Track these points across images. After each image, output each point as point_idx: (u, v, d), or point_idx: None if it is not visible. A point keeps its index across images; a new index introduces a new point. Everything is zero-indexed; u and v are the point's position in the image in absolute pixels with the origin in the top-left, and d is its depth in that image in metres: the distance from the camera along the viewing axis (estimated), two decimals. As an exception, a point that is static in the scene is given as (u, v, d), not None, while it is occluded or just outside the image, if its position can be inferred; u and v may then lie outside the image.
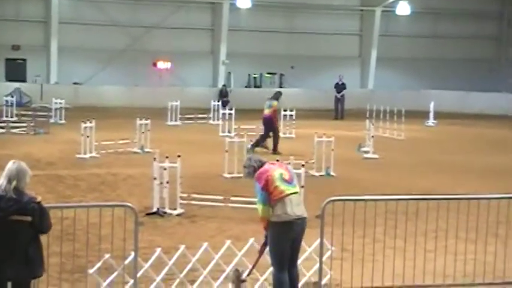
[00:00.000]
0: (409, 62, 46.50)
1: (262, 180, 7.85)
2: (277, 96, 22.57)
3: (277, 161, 8.97)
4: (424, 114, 33.75)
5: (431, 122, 33.45)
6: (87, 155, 19.65)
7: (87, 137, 19.66)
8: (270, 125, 21.65)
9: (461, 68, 46.94)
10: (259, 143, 21.22)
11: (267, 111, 21.91)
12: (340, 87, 36.82)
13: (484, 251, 9.71)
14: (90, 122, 19.92)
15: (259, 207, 7.92)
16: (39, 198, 6.22)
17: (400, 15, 44.30)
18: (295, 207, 7.88)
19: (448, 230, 9.75)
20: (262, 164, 8.09)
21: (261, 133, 21.80)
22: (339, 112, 36.27)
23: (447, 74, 46.19)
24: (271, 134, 21.72)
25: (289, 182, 7.94)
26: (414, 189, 15.06)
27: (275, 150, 21.11)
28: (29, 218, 6.11)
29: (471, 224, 9.47)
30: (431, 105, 33.57)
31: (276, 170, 7.96)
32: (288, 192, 7.86)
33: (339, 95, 36.72)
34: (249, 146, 19.58)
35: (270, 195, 7.82)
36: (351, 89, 44.12)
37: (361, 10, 46.55)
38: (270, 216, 7.85)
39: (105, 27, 41.02)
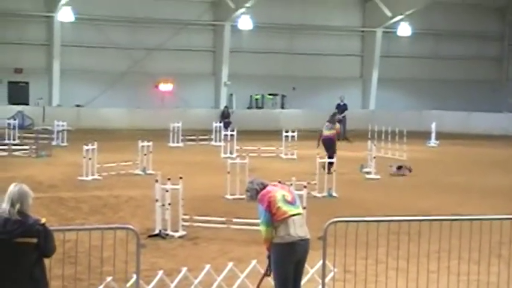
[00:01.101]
0: (410, 82, 46.61)
1: (265, 201, 7.85)
2: (336, 118, 24.04)
3: (279, 182, 8.97)
4: (426, 135, 33.77)
5: (433, 142, 33.46)
6: (89, 177, 19.66)
7: (89, 159, 19.68)
8: (334, 146, 22.54)
9: (463, 88, 47.04)
10: (330, 165, 20.16)
11: (328, 133, 22.78)
12: (341, 108, 36.89)
13: (487, 271, 9.67)
14: (92, 144, 19.95)
15: (262, 228, 7.90)
16: (43, 220, 6.24)
17: (401, 36, 44.44)
18: (298, 229, 7.87)
19: (451, 250, 9.72)
20: (264, 186, 8.09)
21: (328, 156, 21.13)
22: (341, 133, 36.24)
23: (449, 94, 46.28)
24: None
25: (291, 203, 7.94)
26: (416, 210, 15.02)
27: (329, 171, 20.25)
28: (34, 240, 6.12)
29: (474, 245, 9.45)
30: (433, 125, 33.61)
31: (278, 192, 7.96)
32: (290, 213, 7.86)
33: (340, 116, 36.75)
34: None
35: (273, 216, 7.82)
36: (352, 109, 44.24)
37: (362, 31, 46.74)
38: (272, 238, 7.84)
39: (106, 50, 41.21)
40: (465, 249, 9.75)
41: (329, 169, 19.42)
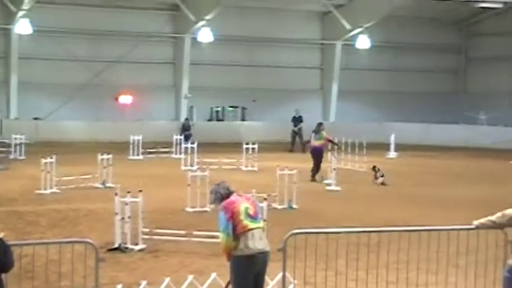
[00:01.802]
0: (370, 94, 47.02)
1: (229, 211, 7.87)
2: (322, 127, 24.88)
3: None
4: (386, 146, 34.08)
5: (392, 154, 33.77)
6: (48, 191, 19.44)
7: (48, 172, 19.46)
8: (321, 155, 23.76)
9: (421, 100, 47.59)
10: (315, 173, 23.20)
11: (317, 143, 24.21)
12: (297, 120, 37.30)
13: (445, 281, 9.78)
14: (51, 158, 19.74)
15: (222, 236, 7.89)
16: (1, 235, 6.15)
17: (360, 48, 44.83)
18: (258, 242, 7.90)
19: (410, 261, 9.81)
20: (229, 192, 8.12)
21: (315, 164, 23.61)
22: (296, 145, 36.61)
23: (407, 106, 46.78)
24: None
25: (253, 216, 7.98)
26: (376, 221, 15.14)
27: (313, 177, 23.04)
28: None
29: (432, 255, 9.55)
30: (392, 137, 33.94)
31: (242, 204, 7.98)
32: (251, 227, 7.90)
33: (296, 128, 37.26)
34: (323, 180, 22.38)
35: (234, 228, 7.83)
36: (313, 121, 44.42)
37: (322, 44, 47.05)
38: (232, 248, 7.84)
39: (66, 62, 40.80)
40: (423, 260, 9.86)
41: (313, 176, 22.48)
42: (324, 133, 24.72)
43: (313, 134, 24.85)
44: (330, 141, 25.29)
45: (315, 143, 24.35)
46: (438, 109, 46.91)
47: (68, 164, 24.08)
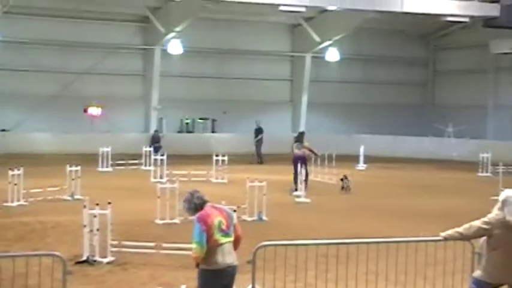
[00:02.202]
0: (339, 106, 47.27)
1: (205, 224, 7.86)
2: (303, 136, 25.44)
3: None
4: (355, 158, 34.26)
5: (361, 165, 33.98)
6: (15, 203, 19.24)
7: (15, 184, 19.27)
8: (304, 162, 24.14)
9: (390, 112, 47.98)
10: (297, 183, 23.37)
11: (300, 152, 24.49)
12: (257, 131, 37.51)
13: (414, 293, 9.85)
14: (18, 170, 19.55)
15: (196, 247, 7.84)
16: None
17: (330, 61, 45.11)
18: (227, 256, 7.93)
19: (378, 273, 9.87)
20: (203, 202, 8.10)
21: (294, 173, 23.94)
22: (259, 156, 36.71)
23: (377, 118, 47.10)
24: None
25: (225, 231, 8.01)
26: (345, 233, 15.20)
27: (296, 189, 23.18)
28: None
29: (400, 267, 9.62)
30: (361, 149, 34.15)
31: (216, 218, 7.98)
32: (222, 242, 7.92)
33: (255, 140, 37.41)
34: (293, 192, 22.77)
35: (207, 241, 7.83)
36: (282, 133, 44.59)
37: (292, 56, 47.25)
38: (203, 256, 7.81)
39: (34, 73, 40.44)
40: (392, 271, 9.92)
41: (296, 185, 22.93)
42: (306, 143, 25.04)
43: (295, 144, 25.11)
44: (311, 150, 25.45)
45: (298, 152, 24.65)
46: (407, 121, 47.33)
47: (35, 176, 23.86)
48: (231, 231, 8.10)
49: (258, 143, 37.35)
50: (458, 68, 48.48)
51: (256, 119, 38.98)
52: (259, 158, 36.59)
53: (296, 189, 23.05)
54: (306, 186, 22.86)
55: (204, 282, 7.95)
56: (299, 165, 23.56)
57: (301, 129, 45.56)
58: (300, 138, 25.41)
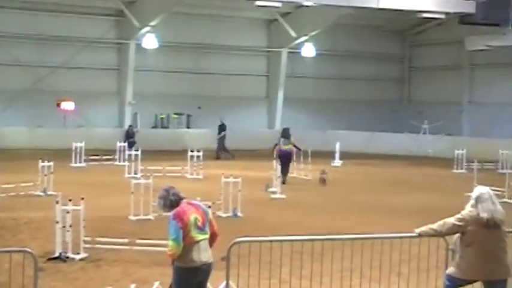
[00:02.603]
0: (315, 102, 47.40)
1: (182, 221, 7.83)
2: (289, 132, 26.24)
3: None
4: (331, 154, 34.37)
5: (337, 162, 34.08)
6: (-14, 199, 19.06)
7: (-13, 179, 19.09)
8: (290, 159, 25.64)
9: (366, 108, 48.20)
10: (285, 178, 24.59)
11: (287, 147, 25.59)
12: (221, 127, 37.43)
13: (388, 289, 9.90)
14: (-10, 165, 19.38)
15: (172, 244, 7.79)
16: None
17: (306, 56, 45.19)
18: (202, 253, 7.92)
19: (353, 269, 9.91)
20: (179, 198, 8.05)
21: (284, 169, 24.54)
22: (227, 151, 36.42)
23: (353, 114, 47.30)
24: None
25: (201, 228, 7.99)
26: (320, 229, 15.24)
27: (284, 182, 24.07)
28: None
29: (375, 263, 9.67)
30: (337, 145, 34.26)
31: (192, 215, 7.95)
32: (197, 239, 7.91)
33: (218, 136, 37.18)
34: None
35: (183, 238, 7.80)
36: (258, 129, 44.63)
37: (268, 51, 47.27)
38: (179, 253, 7.78)
39: (6, 67, 40.07)
40: (366, 267, 9.97)
41: (284, 180, 23.92)
42: (292, 139, 26.05)
43: (282, 139, 25.95)
44: (296, 146, 26.19)
45: (284, 147, 25.56)
46: (383, 118, 47.58)
47: (7, 171, 23.68)
48: (206, 228, 8.08)
49: (221, 140, 36.99)
50: (434, 64, 48.83)
51: (220, 115, 38.67)
52: (228, 153, 36.12)
53: (284, 182, 23.90)
54: (284, 182, 23.81)
55: (180, 280, 7.93)
56: (284, 161, 24.68)
57: (278, 125, 45.81)
58: (286, 134, 26.12)
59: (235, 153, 36.16)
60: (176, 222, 7.82)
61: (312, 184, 25.66)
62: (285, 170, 24.73)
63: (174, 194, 8.10)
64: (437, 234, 8.62)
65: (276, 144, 26.42)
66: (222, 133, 37.32)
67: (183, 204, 8.03)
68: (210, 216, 8.24)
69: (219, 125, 37.78)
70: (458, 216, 8.41)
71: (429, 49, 49.32)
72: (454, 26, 42.16)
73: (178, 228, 7.80)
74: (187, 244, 7.82)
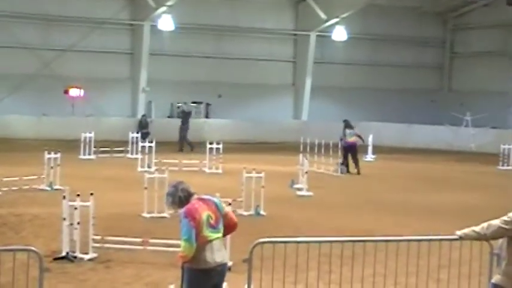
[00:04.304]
0: (346, 91, 47.29)
1: (194, 219, 7.81)
2: (351, 123, 28.77)
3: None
4: (362, 149, 34.22)
5: (369, 157, 34.00)
6: (-12, 193, 19.25)
7: (-12, 172, 19.27)
8: (356, 151, 27.94)
9: (402, 98, 48.03)
10: (347, 168, 27.57)
11: (353, 139, 28.02)
12: (185, 116, 37.46)
13: (425, 297, 9.85)
14: (-8, 156, 19.55)
15: (185, 244, 7.75)
16: None
17: (336, 40, 45.08)
18: (216, 253, 7.89)
19: (387, 275, 9.88)
20: (189, 195, 8.03)
21: (354, 160, 27.78)
22: (189, 143, 35.99)
23: (387, 104, 47.14)
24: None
25: (214, 226, 7.96)
26: (350, 230, 15.21)
27: (359, 172, 27.40)
28: None
29: (411, 268, 9.62)
30: (370, 138, 34.15)
31: (204, 212, 7.93)
32: (211, 238, 7.89)
33: (183, 127, 36.89)
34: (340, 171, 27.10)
35: (196, 236, 7.81)
36: (283, 120, 44.63)
37: (295, 35, 47.21)
38: (192, 254, 7.77)
39: (10, 49, 40.37)
40: (402, 273, 9.92)
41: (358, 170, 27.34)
42: (356, 129, 28.57)
43: (347, 131, 28.16)
44: (360, 137, 28.78)
45: (351, 139, 27.94)
46: (420, 108, 47.37)
47: (10, 163, 23.89)
48: (220, 225, 8.05)
49: (185, 129, 36.59)
50: (478, 50, 48.48)
51: (184, 102, 38.41)
52: (189, 145, 35.63)
53: (348, 171, 27.44)
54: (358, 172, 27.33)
55: (192, 283, 7.88)
56: (353, 153, 27.62)
57: (304, 115, 45.79)
58: (350, 125, 28.36)
59: (260, 147, 36.19)
60: (188, 221, 7.80)
61: (342, 180, 25.59)
62: (355, 160, 27.70)
63: (183, 190, 8.07)
64: (480, 237, 8.54)
65: (341, 139, 28.15)
66: (188, 123, 36.90)
67: (194, 200, 8.02)
68: (225, 209, 8.20)
69: (184, 112, 37.37)
70: (505, 218, 8.31)
71: (473, 33, 48.98)
72: (501, 8, 41.87)
73: (191, 227, 7.78)
74: (200, 244, 7.81)
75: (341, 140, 28.26)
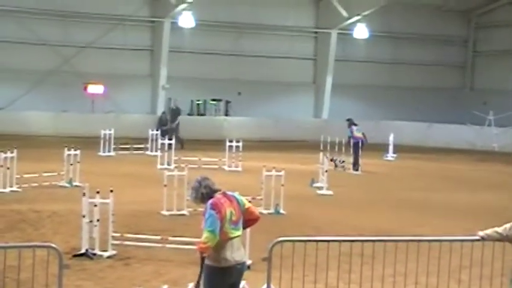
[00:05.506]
0: (367, 89, 47.14)
1: (220, 212, 7.83)
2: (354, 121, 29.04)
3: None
4: (383, 147, 34.17)
5: (390, 155, 33.88)
6: (7, 189, 19.35)
7: (8, 168, 19.36)
8: (362, 147, 27.94)
9: (424, 97, 47.80)
10: (357, 165, 27.66)
11: (360, 134, 28.20)
12: (174, 113, 36.91)
13: (446, 298, 9.81)
14: (11, 152, 19.63)
15: (209, 235, 7.69)
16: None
17: (358, 38, 44.94)
18: (236, 252, 7.92)
19: (407, 274, 9.85)
20: (212, 191, 8.06)
21: (354, 156, 27.81)
22: (179, 141, 35.56)
23: (408, 103, 46.95)
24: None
25: (235, 223, 7.99)
26: (371, 229, 15.18)
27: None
28: None
29: (432, 268, 9.59)
30: (391, 137, 34.02)
31: (228, 208, 7.96)
32: (232, 235, 7.91)
33: (173, 125, 36.33)
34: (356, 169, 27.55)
35: (220, 230, 7.82)
36: (304, 118, 44.55)
37: (316, 32, 47.12)
38: (213, 245, 7.76)
39: (30, 46, 40.53)
40: (423, 273, 9.90)
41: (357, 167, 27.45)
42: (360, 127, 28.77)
43: (354, 127, 28.43)
44: (365, 136, 28.46)
45: (358, 134, 28.19)
46: (442, 107, 47.13)
47: (30, 159, 23.99)
48: (240, 224, 8.08)
49: (176, 127, 36.26)
50: (501, 49, 48.14)
51: (174, 98, 38.19)
52: (179, 143, 35.32)
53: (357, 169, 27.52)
54: (357, 169, 27.44)
55: (211, 281, 7.91)
56: (360, 148, 27.59)
57: (325, 114, 45.71)
58: (354, 123, 28.63)
59: (280, 145, 36.17)
60: (215, 213, 7.83)
61: (362, 179, 25.54)
62: (357, 156, 27.77)
63: (206, 186, 8.10)
64: (503, 238, 8.50)
65: (350, 137, 28.40)
66: (178, 120, 36.50)
67: (219, 195, 8.05)
68: (246, 204, 8.20)
69: (173, 109, 37.13)
70: (528, 218, 8.29)
71: (497, 31, 48.62)
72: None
73: (216, 219, 7.81)
74: (221, 240, 7.82)
75: (350, 138, 28.50)
